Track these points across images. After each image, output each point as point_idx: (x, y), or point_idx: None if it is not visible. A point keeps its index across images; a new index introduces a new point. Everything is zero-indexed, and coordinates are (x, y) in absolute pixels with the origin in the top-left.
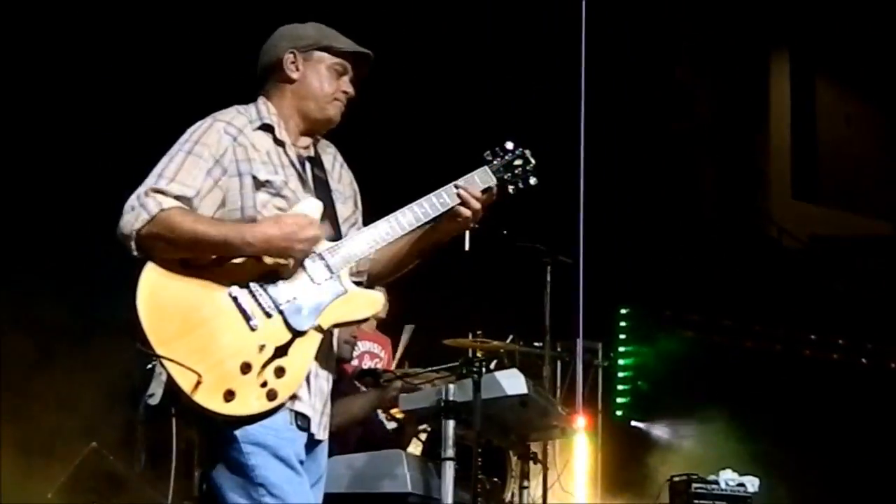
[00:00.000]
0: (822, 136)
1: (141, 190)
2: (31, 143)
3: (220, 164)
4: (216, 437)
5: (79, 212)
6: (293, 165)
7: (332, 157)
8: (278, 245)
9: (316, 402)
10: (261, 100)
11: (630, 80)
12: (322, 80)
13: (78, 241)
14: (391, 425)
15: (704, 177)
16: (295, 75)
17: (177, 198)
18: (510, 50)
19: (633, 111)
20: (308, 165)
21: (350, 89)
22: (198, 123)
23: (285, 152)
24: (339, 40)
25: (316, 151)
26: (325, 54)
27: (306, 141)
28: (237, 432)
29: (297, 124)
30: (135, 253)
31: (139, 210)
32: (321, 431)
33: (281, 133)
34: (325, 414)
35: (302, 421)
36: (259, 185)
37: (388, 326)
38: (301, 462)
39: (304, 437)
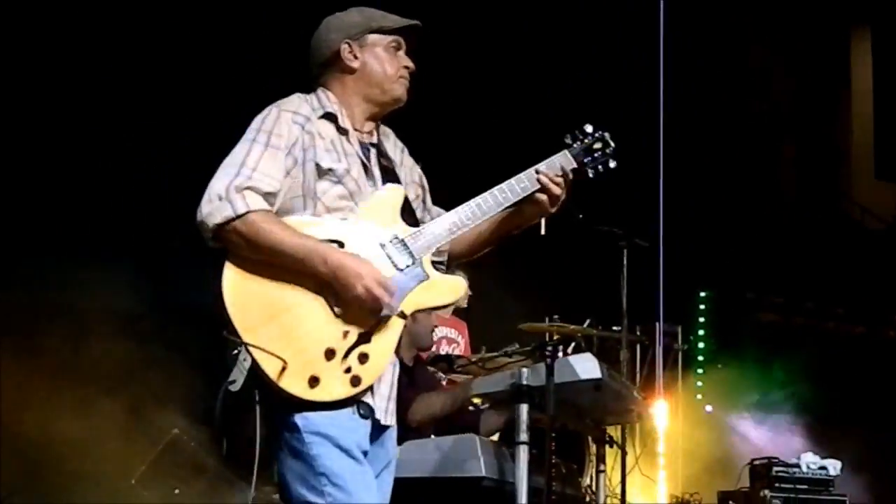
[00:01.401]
0: None
1: (229, 181)
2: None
3: (291, 155)
4: (280, 426)
5: (158, 199)
6: (356, 154)
7: (392, 144)
8: (345, 278)
9: (383, 387)
10: (320, 90)
11: (708, 61)
12: (382, 62)
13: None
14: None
15: (784, 157)
16: (355, 64)
17: (265, 195)
18: (591, 33)
19: (712, 92)
20: (373, 153)
21: (410, 63)
22: (264, 113)
23: (348, 140)
24: (387, 19)
25: (379, 138)
26: (377, 36)
27: (370, 126)
28: (299, 422)
29: (364, 111)
30: (210, 244)
31: (225, 204)
32: (388, 417)
33: (343, 121)
34: (391, 399)
35: (364, 409)
36: (322, 172)
37: (464, 312)
38: (365, 452)
39: (367, 425)
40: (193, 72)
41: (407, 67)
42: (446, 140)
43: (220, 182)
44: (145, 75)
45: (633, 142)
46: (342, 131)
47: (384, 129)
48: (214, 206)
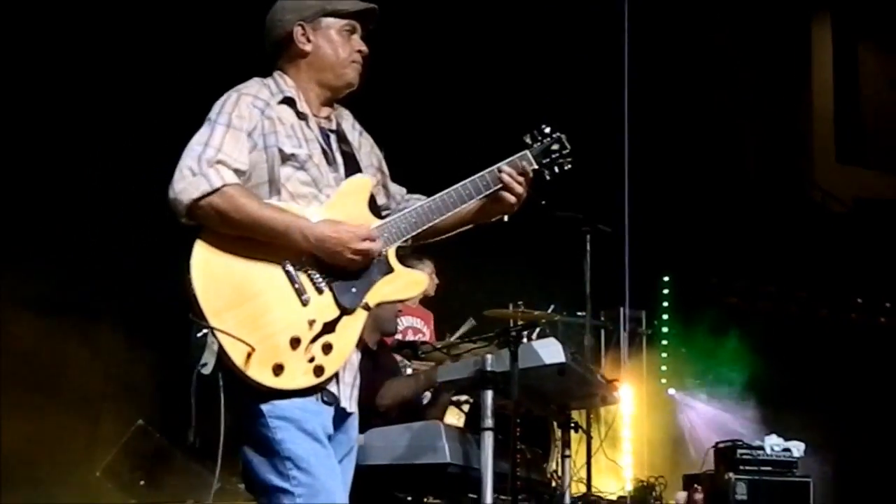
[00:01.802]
0: (865, 100)
1: (197, 156)
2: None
3: (251, 138)
4: (244, 412)
5: (120, 195)
6: (317, 140)
7: (350, 126)
8: (331, 248)
9: (346, 375)
10: (277, 74)
11: (671, 48)
12: (335, 46)
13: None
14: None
15: (747, 142)
16: (307, 48)
17: (235, 171)
18: (554, 19)
19: (675, 78)
20: (333, 139)
21: (363, 47)
22: (224, 97)
23: (308, 126)
24: (343, 1)
25: (337, 123)
26: (332, 19)
27: (327, 111)
28: (264, 407)
29: (318, 95)
30: (182, 220)
31: (200, 179)
32: (351, 404)
33: (302, 106)
34: (355, 386)
35: (328, 396)
36: (284, 157)
37: (430, 300)
38: (329, 437)
39: (330, 410)
40: (179, 68)
41: (360, 52)
42: (408, 134)
43: (188, 159)
44: (100, 64)
45: (597, 128)
46: (301, 116)
47: (341, 110)
48: (188, 182)
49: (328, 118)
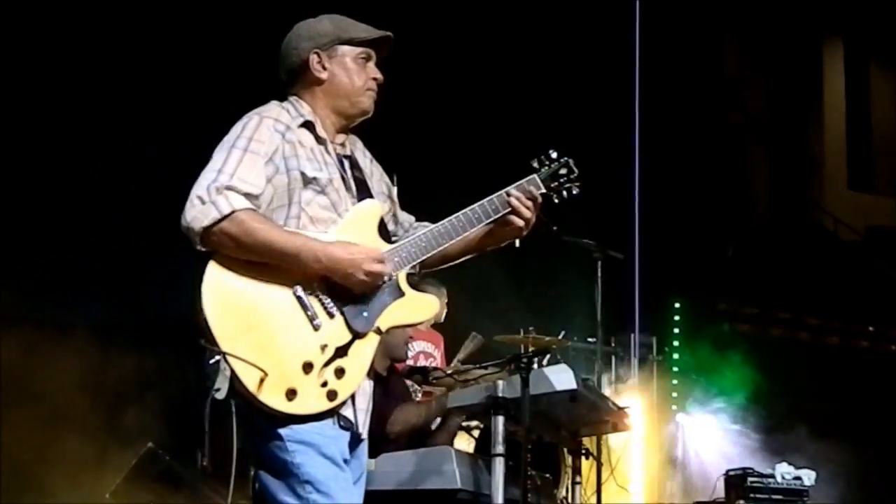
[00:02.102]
0: (877, 126)
1: (208, 184)
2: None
3: (272, 162)
4: (262, 436)
5: (134, 212)
6: (335, 165)
7: (361, 153)
8: (343, 270)
9: (360, 401)
10: (293, 99)
11: (683, 71)
12: (350, 74)
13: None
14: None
15: (758, 168)
16: (323, 75)
17: (245, 195)
18: (566, 43)
19: (686, 102)
20: (346, 164)
21: (378, 75)
22: (244, 120)
23: (327, 151)
24: (357, 29)
25: (351, 149)
26: (347, 47)
27: (342, 138)
28: (282, 431)
29: (334, 122)
30: (198, 247)
31: (209, 207)
32: (364, 430)
33: (321, 131)
34: (368, 412)
35: (345, 422)
36: (306, 181)
37: (440, 325)
38: (346, 460)
39: (347, 435)
40: (164, 77)
41: (375, 79)
42: (416, 159)
43: (200, 187)
44: (113, 78)
45: (608, 153)
46: (320, 141)
47: (353, 137)
48: (198, 210)
49: (343, 144)
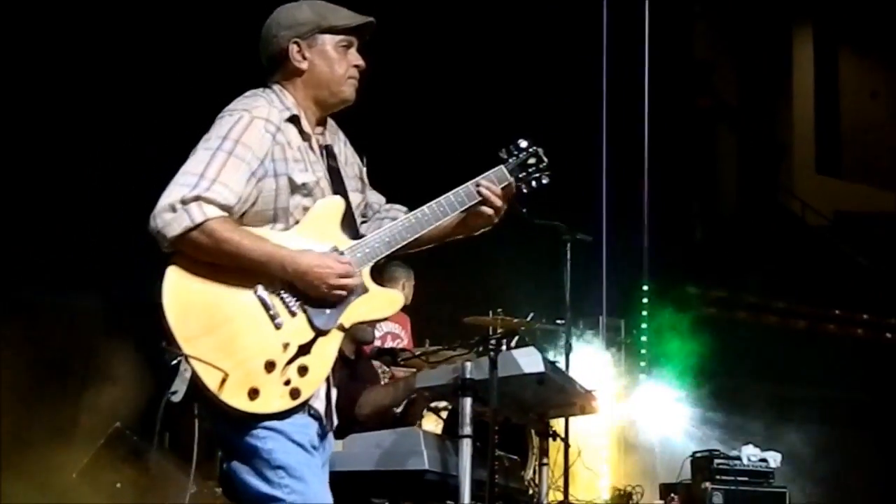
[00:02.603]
0: (845, 111)
1: (183, 192)
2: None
3: (262, 166)
4: (230, 425)
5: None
6: (320, 161)
7: (336, 137)
8: (310, 280)
9: (330, 392)
10: (277, 88)
11: (652, 55)
12: (331, 63)
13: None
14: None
15: (727, 153)
16: (303, 66)
17: (221, 206)
18: (534, 30)
19: (656, 88)
20: (325, 155)
21: (360, 62)
22: (233, 118)
23: (311, 147)
24: (337, 16)
25: (329, 137)
26: (327, 36)
27: (320, 128)
28: (251, 420)
29: (314, 112)
30: (166, 250)
31: (181, 215)
32: (330, 421)
33: (305, 125)
34: (333, 401)
35: (314, 412)
36: (294, 187)
37: (408, 305)
38: (314, 447)
39: (316, 424)
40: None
41: (357, 66)
42: (388, 143)
43: (175, 193)
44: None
45: (576, 136)
46: (305, 136)
47: (329, 120)
48: (171, 217)
49: (322, 134)
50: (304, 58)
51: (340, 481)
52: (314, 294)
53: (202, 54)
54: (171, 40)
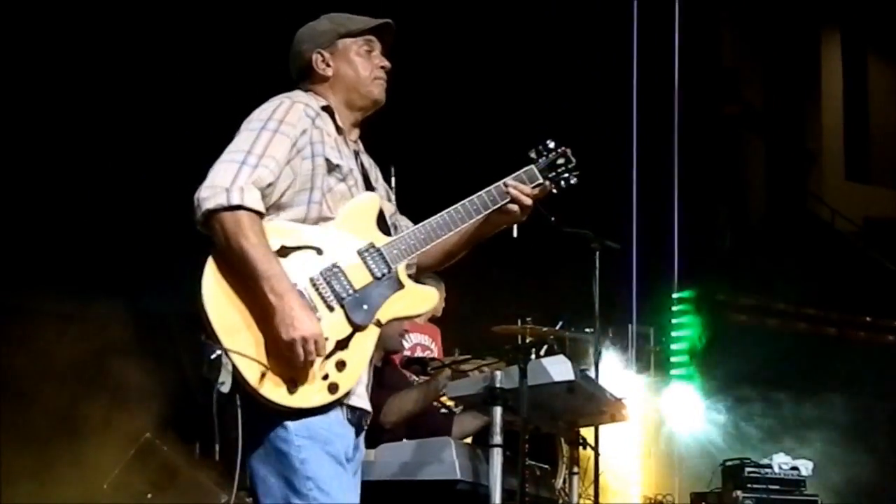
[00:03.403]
0: (874, 116)
1: (234, 172)
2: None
3: (296, 146)
4: (267, 429)
5: (132, 205)
6: (352, 157)
7: (366, 156)
8: (281, 319)
9: (360, 389)
10: (309, 93)
11: (680, 62)
12: (355, 66)
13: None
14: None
15: (755, 159)
16: (328, 72)
17: (266, 187)
18: (563, 33)
19: (684, 95)
20: (358, 160)
21: (385, 62)
22: (274, 102)
23: (345, 141)
24: (354, 21)
25: (359, 147)
26: (348, 40)
27: (355, 134)
28: (291, 424)
29: (348, 118)
30: (198, 227)
31: (222, 193)
32: (364, 420)
33: (340, 120)
34: (367, 401)
35: (352, 415)
36: (331, 168)
37: (438, 317)
38: (348, 459)
39: (353, 432)
40: (163, 73)
41: (382, 67)
42: (413, 151)
43: (226, 172)
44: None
45: (607, 143)
46: (339, 130)
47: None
48: (213, 192)
49: (356, 141)
50: (329, 65)
51: (371, 491)
52: (274, 333)
53: (238, 62)
54: (210, 47)
